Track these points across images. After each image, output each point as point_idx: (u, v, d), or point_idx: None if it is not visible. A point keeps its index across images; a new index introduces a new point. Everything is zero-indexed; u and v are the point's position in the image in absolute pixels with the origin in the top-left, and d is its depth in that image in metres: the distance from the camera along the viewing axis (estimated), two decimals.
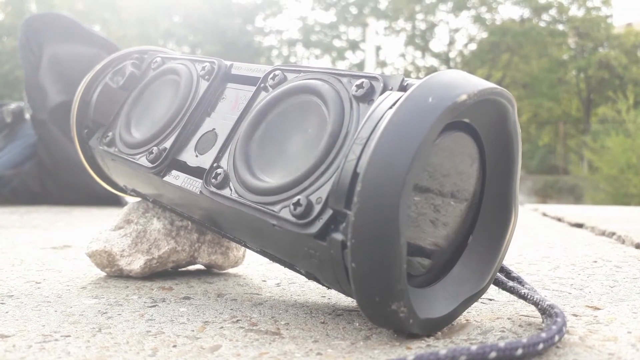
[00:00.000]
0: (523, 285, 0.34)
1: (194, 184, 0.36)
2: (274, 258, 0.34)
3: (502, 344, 0.24)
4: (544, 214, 1.27)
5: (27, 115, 1.37)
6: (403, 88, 0.29)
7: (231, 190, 0.33)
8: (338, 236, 0.26)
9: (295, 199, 0.29)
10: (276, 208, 0.30)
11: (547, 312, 0.29)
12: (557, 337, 0.26)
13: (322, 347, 0.27)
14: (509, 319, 0.32)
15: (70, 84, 1.23)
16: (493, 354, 0.23)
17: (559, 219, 1.14)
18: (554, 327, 0.26)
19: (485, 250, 0.33)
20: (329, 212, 0.27)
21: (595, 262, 0.55)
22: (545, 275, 0.48)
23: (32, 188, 1.31)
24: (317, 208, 0.28)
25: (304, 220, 0.28)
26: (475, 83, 0.27)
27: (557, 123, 9.24)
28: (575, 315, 0.33)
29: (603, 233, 0.94)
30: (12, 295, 0.39)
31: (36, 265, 0.51)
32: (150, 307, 0.36)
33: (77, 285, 0.43)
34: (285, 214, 0.29)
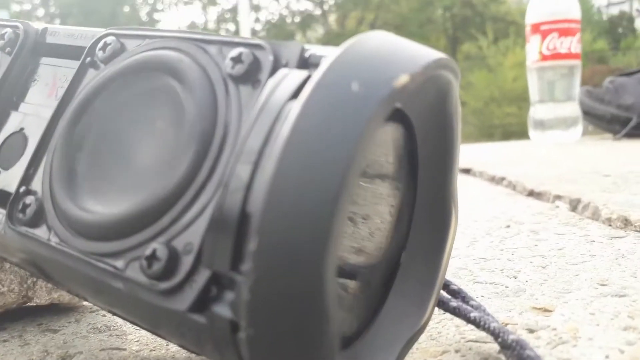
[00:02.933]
0: (468, 303, 0.27)
1: None
2: (128, 321, 0.23)
3: None
4: None
5: None
6: (304, 63, 0.19)
7: (49, 230, 0.21)
8: (224, 312, 0.17)
9: (149, 248, 0.18)
10: (119, 263, 0.19)
11: (514, 352, 0.22)
12: None
13: None
14: (457, 351, 0.25)
15: None
16: None
17: None
18: None
19: (422, 267, 0.25)
20: (205, 272, 0.17)
21: (509, 227, 0.51)
22: (467, 256, 0.42)
23: None
24: (187, 262, 0.18)
25: (167, 284, 0.18)
26: (415, 54, 0.18)
27: None
28: (530, 331, 0.27)
29: (493, 179, 0.93)
30: None
31: None
32: None
33: None
34: (135, 272, 0.18)
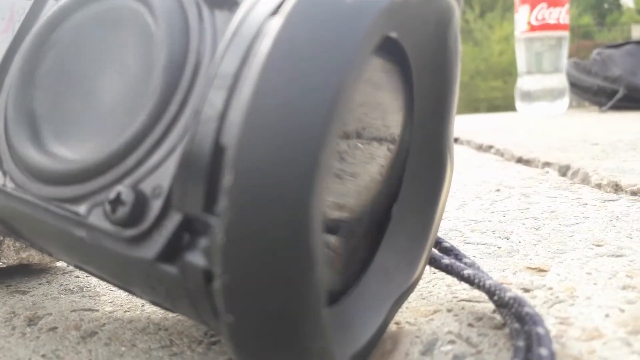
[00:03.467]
0: (461, 260, 0.25)
1: None
2: (99, 277, 0.21)
3: None
4: None
5: None
6: None
7: (4, 175, 0.19)
8: (197, 260, 0.15)
9: (113, 191, 0.16)
10: (81, 208, 0.17)
11: (511, 309, 0.21)
12: None
13: None
14: (449, 311, 0.24)
15: None
16: None
17: None
18: (543, 352, 0.17)
19: (414, 221, 0.23)
20: (176, 216, 0.15)
21: (499, 191, 0.50)
22: (457, 219, 0.41)
23: None
24: (156, 206, 0.16)
25: (133, 231, 0.16)
26: None
27: None
28: (525, 290, 0.26)
29: (480, 147, 0.92)
30: None
31: None
32: None
33: None
34: (98, 219, 0.16)
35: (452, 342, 0.21)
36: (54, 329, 0.25)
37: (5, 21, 0.24)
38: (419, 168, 0.23)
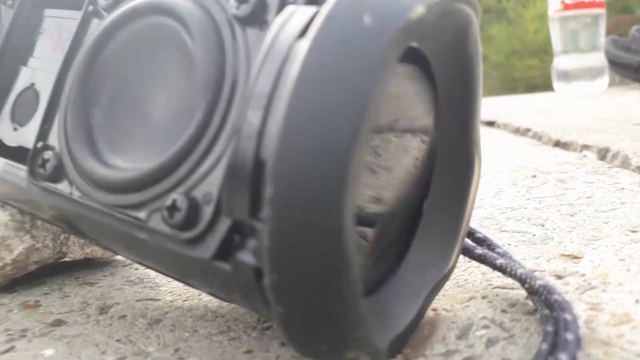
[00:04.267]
0: (494, 250, 0.26)
1: (19, 173, 0.24)
2: (158, 271, 0.23)
3: None
4: None
5: None
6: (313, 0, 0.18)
7: (70, 184, 0.21)
8: (248, 259, 0.17)
9: (169, 199, 0.18)
10: (142, 214, 0.19)
11: (541, 297, 0.21)
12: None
13: None
14: (484, 298, 0.25)
15: None
16: None
17: None
18: (569, 336, 0.18)
19: (445, 216, 0.24)
20: (226, 221, 0.17)
21: (535, 177, 0.50)
22: (492, 206, 0.41)
23: None
24: (208, 211, 0.17)
25: (189, 233, 0.18)
26: None
27: None
28: (558, 277, 0.26)
29: (517, 130, 0.92)
30: None
31: None
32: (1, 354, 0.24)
33: None
34: (157, 223, 0.18)
35: (486, 327, 0.22)
36: (123, 316, 0.28)
37: (54, 40, 0.26)
38: (447, 166, 0.24)
